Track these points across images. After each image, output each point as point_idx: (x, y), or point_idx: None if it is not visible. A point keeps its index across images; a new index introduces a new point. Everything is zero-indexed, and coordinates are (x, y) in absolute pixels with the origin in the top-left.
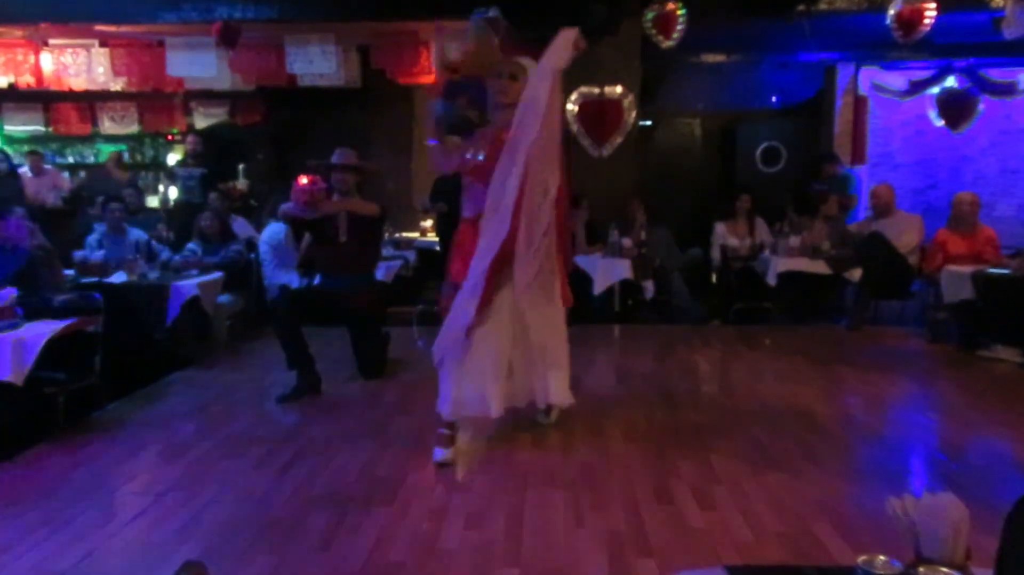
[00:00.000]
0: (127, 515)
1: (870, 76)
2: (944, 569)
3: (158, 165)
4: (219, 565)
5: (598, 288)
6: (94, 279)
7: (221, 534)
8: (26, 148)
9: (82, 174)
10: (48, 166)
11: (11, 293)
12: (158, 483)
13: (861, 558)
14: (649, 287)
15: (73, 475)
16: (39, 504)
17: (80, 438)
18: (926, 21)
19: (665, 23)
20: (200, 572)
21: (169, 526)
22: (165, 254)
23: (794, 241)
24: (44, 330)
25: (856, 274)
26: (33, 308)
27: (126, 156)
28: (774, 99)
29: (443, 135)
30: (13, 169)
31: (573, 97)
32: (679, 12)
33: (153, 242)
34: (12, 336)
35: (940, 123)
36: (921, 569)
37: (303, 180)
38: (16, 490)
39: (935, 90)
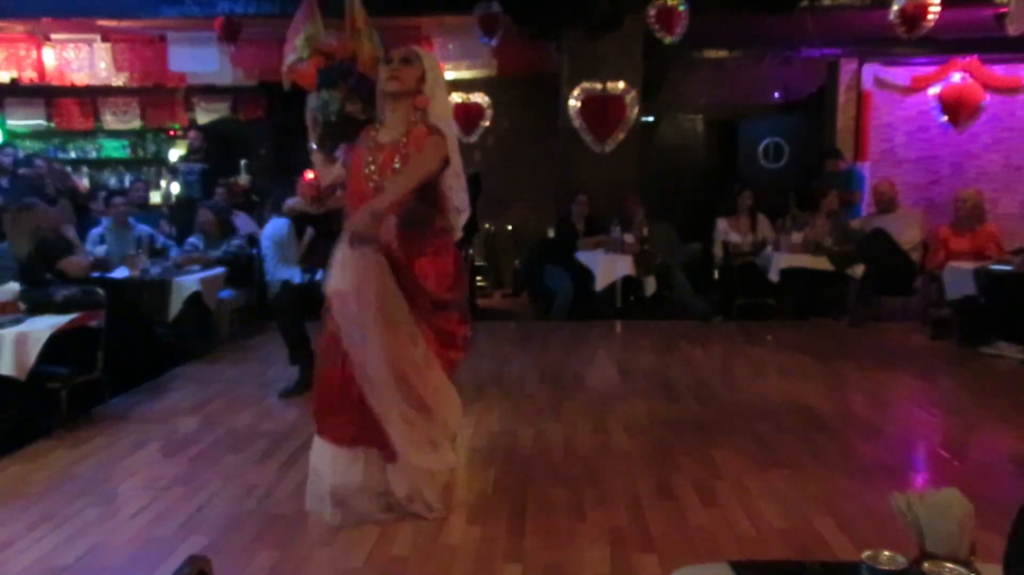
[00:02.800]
0: (130, 510)
1: (873, 72)
2: (949, 565)
3: (160, 161)
4: (222, 559)
5: (600, 284)
6: (97, 274)
7: (224, 529)
8: (28, 143)
9: (85, 170)
10: (56, 165)
11: (14, 287)
12: (161, 478)
13: (866, 553)
14: (651, 283)
15: (76, 470)
16: (42, 499)
17: (83, 433)
18: (929, 17)
19: (668, 19)
20: (205, 566)
21: (172, 521)
22: (173, 251)
23: (796, 237)
24: (47, 325)
25: (858, 270)
26: (36, 303)
27: (127, 151)
28: (776, 95)
29: (323, 139)
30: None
31: (575, 92)
32: (681, 7)
33: (160, 237)
34: (15, 331)
35: (943, 119)
36: (926, 565)
37: (310, 175)
38: (18, 485)
39: (938, 86)
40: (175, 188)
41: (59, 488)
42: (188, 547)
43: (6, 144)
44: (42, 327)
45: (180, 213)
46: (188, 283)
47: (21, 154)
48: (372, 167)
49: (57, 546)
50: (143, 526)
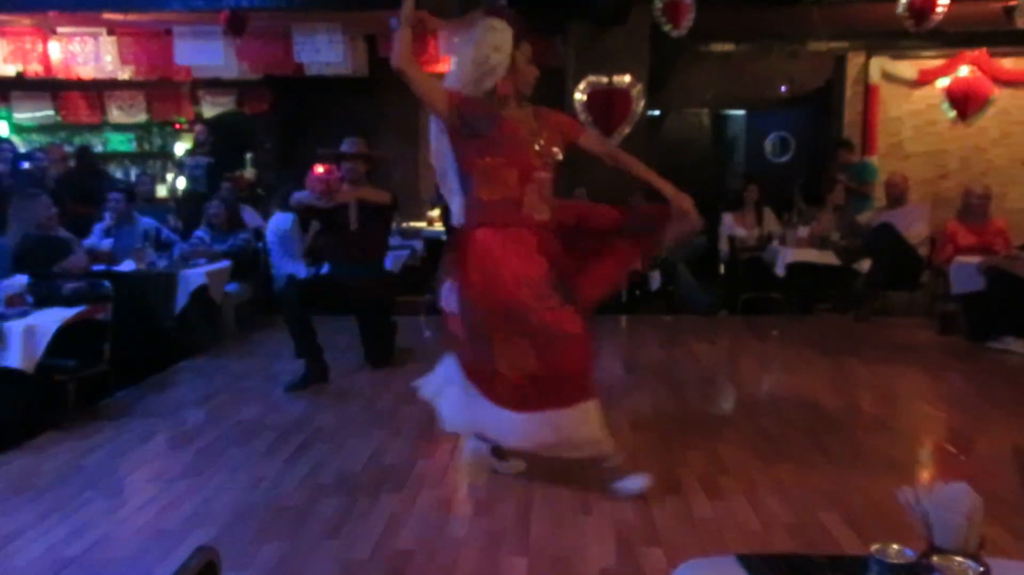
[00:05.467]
0: (137, 502)
1: (881, 65)
2: (958, 558)
3: (166, 154)
4: (229, 551)
5: None
6: (102, 267)
7: (231, 521)
8: (35, 137)
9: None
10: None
11: (22, 280)
12: (168, 470)
13: (874, 547)
14: (655, 278)
15: (83, 462)
16: (49, 491)
17: (90, 425)
18: (938, 10)
19: (675, 12)
20: (212, 558)
21: (179, 513)
22: (178, 245)
23: (803, 231)
24: (54, 318)
25: (865, 265)
26: (43, 295)
27: (133, 145)
28: (783, 89)
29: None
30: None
31: (581, 86)
32: (687, 1)
33: (164, 230)
34: (23, 323)
35: (951, 113)
36: (935, 558)
37: (319, 169)
38: (26, 477)
39: (946, 80)
40: (181, 182)
41: (67, 480)
42: (195, 539)
43: (6, 139)
44: (49, 320)
45: (186, 207)
46: (194, 276)
47: (22, 149)
48: (540, 144)
49: (65, 537)
50: (150, 518)
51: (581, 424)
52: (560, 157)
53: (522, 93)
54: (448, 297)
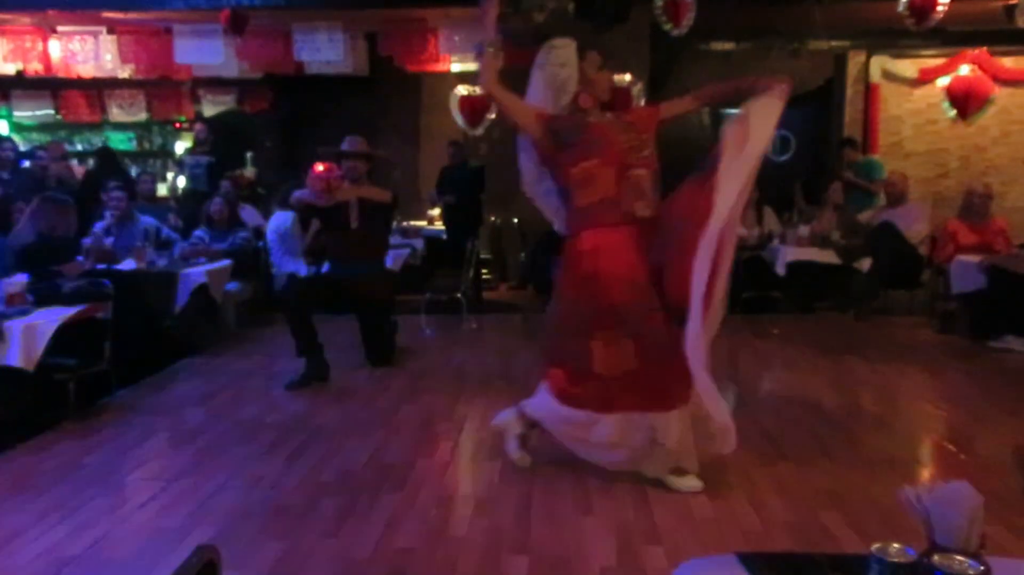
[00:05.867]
0: (138, 501)
1: (881, 64)
2: (959, 557)
3: (166, 153)
4: (230, 550)
5: None
6: (102, 266)
7: (231, 520)
8: (35, 135)
9: (91, 162)
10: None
11: (23, 279)
12: (168, 469)
13: (875, 546)
14: None
15: (83, 461)
16: (50, 490)
17: (90, 424)
18: (939, 8)
19: (675, 11)
20: (213, 556)
21: (179, 512)
22: (178, 244)
23: (803, 230)
24: (55, 316)
25: (865, 264)
26: (43, 294)
27: (133, 143)
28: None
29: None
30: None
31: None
32: None
33: (165, 229)
34: (23, 322)
35: (951, 112)
36: (935, 557)
37: (319, 167)
38: (27, 476)
39: (947, 79)
40: (181, 181)
41: (67, 479)
42: (195, 537)
43: (7, 138)
44: (50, 319)
45: (187, 206)
46: (194, 275)
47: (22, 147)
48: (631, 142)
49: (65, 536)
50: (151, 516)
51: (672, 429)
52: (652, 151)
53: (601, 100)
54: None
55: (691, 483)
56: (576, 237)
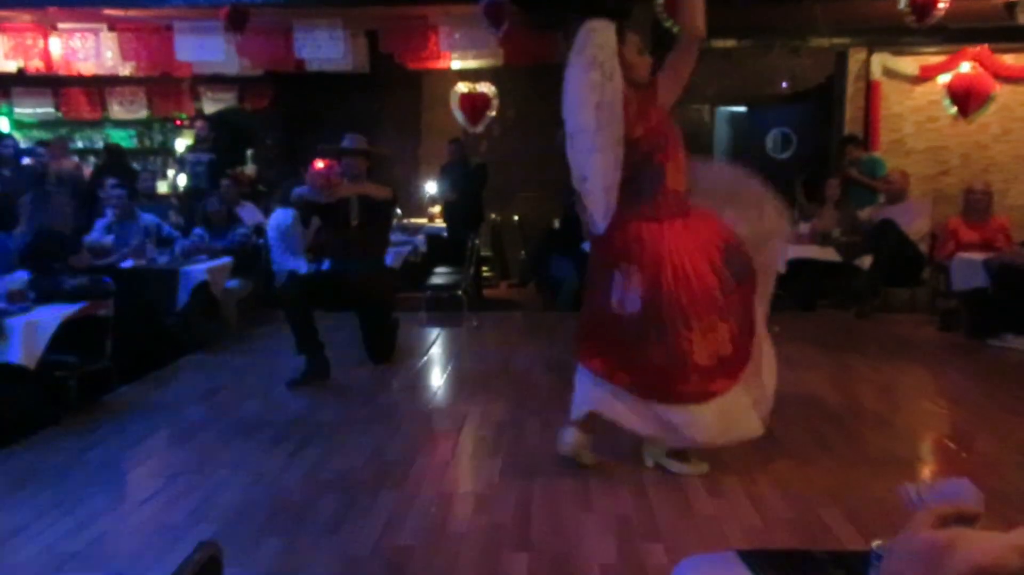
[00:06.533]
0: (138, 497)
1: (882, 62)
2: None
3: (167, 150)
4: (230, 547)
5: None
6: (104, 263)
7: (232, 516)
8: (36, 133)
9: (92, 159)
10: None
11: (24, 276)
12: (169, 466)
13: (875, 542)
14: None
15: (85, 458)
16: (51, 486)
17: (91, 421)
18: (940, 6)
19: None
20: (215, 552)
21: (180, 508)
22: (179, 242)
23: (804, 228)
24: (56, 313)
25: (866, 261)
26: (45, 291)
27: (134, 141)
28: (784, 85)
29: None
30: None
31: None
32: None
33: (165, 227)
34: (25, 319)
35: (952, 110)
36: None
37: (319, 164)
38: (28, 472)
39: (948, 76)
40: (182, 179)
41: (68, 475)
42: (197, 534)
43: (7, 135)
44: (51, 316)
45: (187, 203)
46: (195, 273)
47: (22, 144)
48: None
49: (66, 532)
50: (152, 513)
51: (745, 401)
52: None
53: (640, 83)
54: (625, 298)
55: (700, 467)
56: (651, 226)
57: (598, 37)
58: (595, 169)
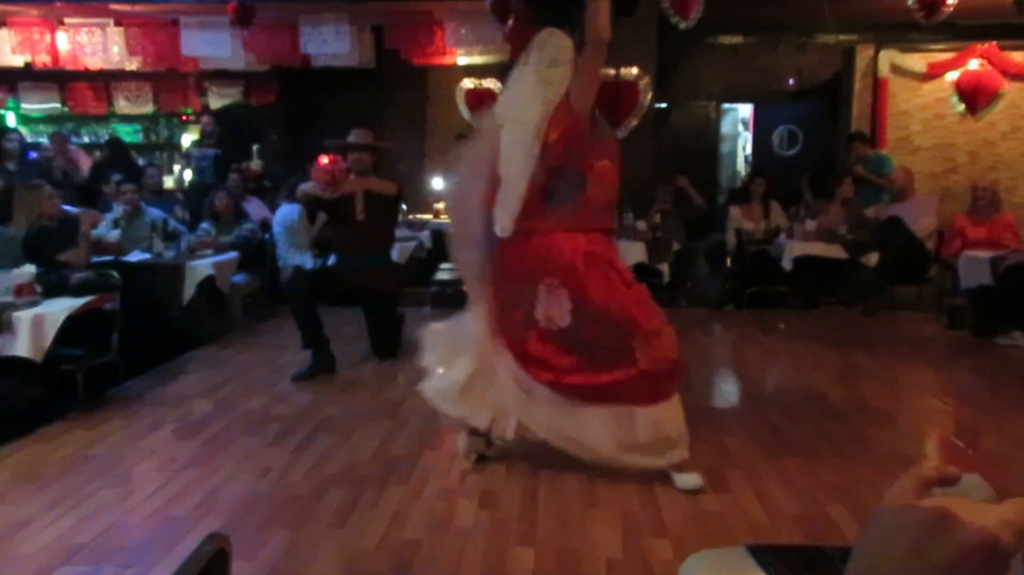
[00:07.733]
0: (146, 491)
1: (890, 58)
2: None
3: (172, 146)
4: (237, 540)
5: None
6: (110, 258)
7: (238, 510)
8: (42, 127)
9: (98, 153)
10: (72, 146)
11: (30, 270)
12: (175, 460)
13: None
14: (664, 271)
15: (92, 451)
16: (58, 480)
17: (98, 415)
18: (948, 2)
19: (683, 4)
20: (223, 545)
21: (187, 501)
22: (185, 236)
23: (810, 225)
24: (63, 307)
25: (873, 258)
26: (51, 285)
27: (140, 136)
28: (791, 81)
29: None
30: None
31: None
32: None
33: (172, 221)
34: (31, 313)
35: (960, 107)
36: None
37: (324, 159)
38: (35, 466)
39: (956, 73)
40: (188, 174)
41: (75, 469)
42: (203, 527)
43: (13, 129)
44: (58, 310)
45: (193, 198)
46: (201, 267)
47: (28, 138)
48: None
49: (73, 525)
50: (158, 506)
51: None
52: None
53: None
54: (555, 312)
55: (689, 481)
56: (572, 236)
57: (561, 40)
58: (527, 166)
